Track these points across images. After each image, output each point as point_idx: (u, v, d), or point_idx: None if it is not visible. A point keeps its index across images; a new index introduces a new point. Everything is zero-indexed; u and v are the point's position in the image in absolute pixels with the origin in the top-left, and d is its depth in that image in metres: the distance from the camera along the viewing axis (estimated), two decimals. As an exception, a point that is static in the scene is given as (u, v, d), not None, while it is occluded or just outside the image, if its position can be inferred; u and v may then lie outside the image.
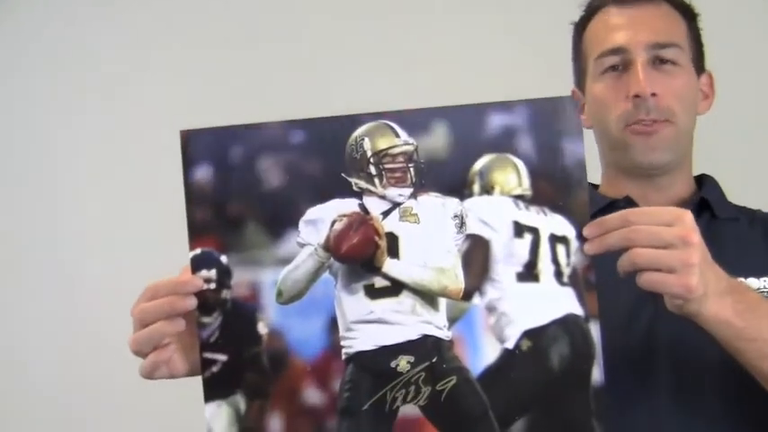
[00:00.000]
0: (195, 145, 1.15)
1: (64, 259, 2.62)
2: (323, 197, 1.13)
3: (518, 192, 1.16)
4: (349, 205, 1.14)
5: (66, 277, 2.61)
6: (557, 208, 1.15)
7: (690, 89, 1.46)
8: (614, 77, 1.44)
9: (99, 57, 2.63)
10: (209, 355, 1.16)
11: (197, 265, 1.15)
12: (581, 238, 1.13)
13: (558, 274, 1.16)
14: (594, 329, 1.14)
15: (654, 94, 1.39)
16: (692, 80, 1.47)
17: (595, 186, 1.54)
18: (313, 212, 1.13)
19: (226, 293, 1.16)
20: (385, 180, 1.14)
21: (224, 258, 1.15)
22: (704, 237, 1.09)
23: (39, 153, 2.67)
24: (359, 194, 1.14)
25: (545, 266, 1.16)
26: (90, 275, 2.60)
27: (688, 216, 1.09)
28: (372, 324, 1.14)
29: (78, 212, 2.64)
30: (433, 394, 1.13)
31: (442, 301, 1.14)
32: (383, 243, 1.13)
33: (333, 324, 1.14)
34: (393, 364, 1.13)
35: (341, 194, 1.14)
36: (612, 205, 1.40)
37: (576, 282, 1.16)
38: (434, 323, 1.14)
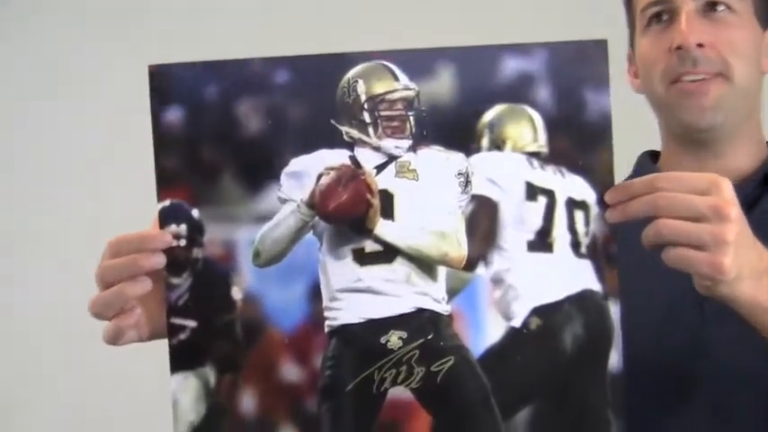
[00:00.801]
0: (166, 82, 1.02)
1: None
2: (309, 146, 1.00)
3: (533, 148, 1.03)
4: (338, 157, 1.01)
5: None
6: (576, 168, 1.01)
7: (749, 41, 1.27)
8: (659, 30, 1.26)
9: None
10: (176, 321, 1.03)
11: (166, 218, 1.02)
12: (602, 204, 0.99)
13: (575, 245, 1.03)
14: (614, 308, 1.01)
15: (701, 45, 1.22)
16: (753, 31, 1.28)
17: (655, 158, 1.39)
18: (297, 164, 1.00)
19: (197, 252, 1.03)
20: (380, 129, 1.01)
21: (196, 212, 1.02)
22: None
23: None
24: (350, 145, 1.01)
25: (560, 235, 1.03)
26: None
27: (726, 184, 0.95)
28: (361, 294, 1.01)
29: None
30: (427, 376, 1.00)
31: (441, 271, 1.01)
32: (376, 201, 1.00)
33: (316, 292, 1.02)
34: (383, 340, 1.00)
35: (329, 144, 1.01)
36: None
37: (595, 253, 1.03)
38: (431, 295, 1.01)
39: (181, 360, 1.03)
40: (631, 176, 1.19)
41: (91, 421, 2.47)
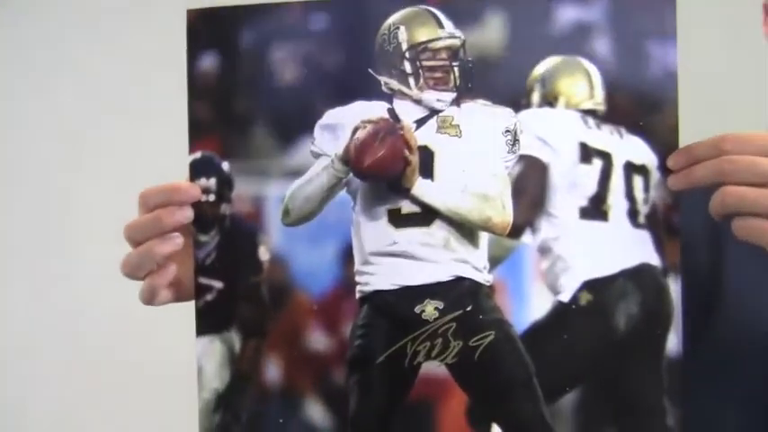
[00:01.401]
0: (202, 27, 0.97)
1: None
2: (345, 97, 0.93)
3: (588, 105, 0.94)
4: (376, 109, 0.94)
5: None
6: (636, 129, 0.92)
7: None
8: None
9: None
10: (204, 281, 0.98)
11: (195, 172, 0.97)
12: (664, 169, 0.90)
13: (633, 213, 0.94)
14: (674, 286, 0.92)
15: None
16: None
17: None
18: (332, 116, 0.93)
19: (225, 208, 0.98)
20: (422, 80, 0.93)
21: (226, 166, 0.96)
22: None
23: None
24: (389, 97, 0.94)
25: (616, 202, 0.93)
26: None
27: None
28: (395, 258, 0.93)
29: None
30: (464, 350, 0.92)
31: (484, 237, 0.93)
32: (415, 159, 0.92)
33: (347, 255, 0.95)
34: (417, 310, 0.93)
35: (367, 95, 0.94)
36: None
37: (655, 224, 0.93)
38: (472, 263, 0.93)
39: (206, 323, 0.98)
40: None
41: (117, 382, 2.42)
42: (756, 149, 0.84)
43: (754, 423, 1.04)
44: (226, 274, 0.98)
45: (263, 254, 0.97)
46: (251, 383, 0.97)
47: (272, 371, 0.96)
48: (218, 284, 0.98)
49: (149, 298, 0.98)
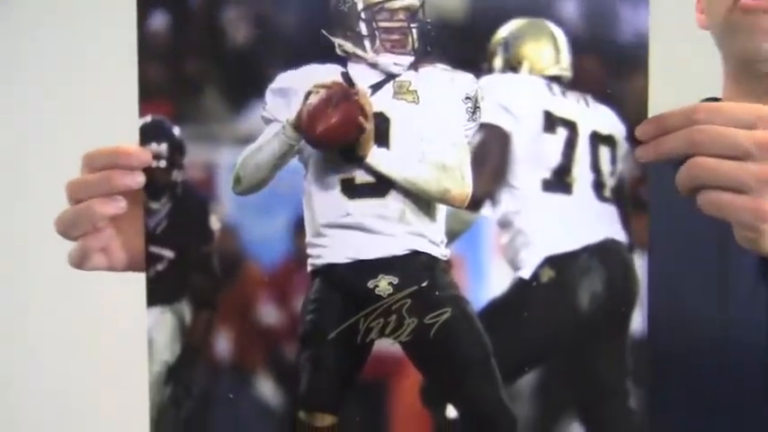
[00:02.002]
0: (152, -15, 0.92)
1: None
2: (297, 60, 0.89)
3: (554, 71, 0.89)
4: (329, 73, 0.89)
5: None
6: (604, 97, 0.88)
7: None
8: None
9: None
10: (155, 250, 0.95)
11: (146, 136, 0.93)
12: (633, 140, 0.86)
13: (598, 186, 0.89)
14: (640, 263, 0.88)
15: None
16: None
17: None
18: (283, 80, 0.89)
19: (176, 175, 0.94)
20: (378, 43, 0.89)
21: (177, 131, 0.93)
22: None
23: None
24: (343, 60, 0.90)
25: (581, 174, 0.89)
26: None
27: None
28: (348, 230, 0.90)
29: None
30: (419, 328, 0.89)
31: (441, 209, 0.90)
32: (370, 126, 0.88)
33: (299, 226, 0.91)
34: (371, 285, 0.89)
35: (320, 58, 0.89)
36: None
37: (622, 198, 0.89)
38: (428, 236, 0.90)
39: (157, 293, 0.95)
40: None
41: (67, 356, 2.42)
42: (729, 120, 0.80)
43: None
44: (177, 244, 0.94)
45: (215, 223, 0.93)
46: (202, 357, 0.94)
47: (223, 344, 0.93)
48: (168, 254, 0.95)
49: (79, 260, 0.95)
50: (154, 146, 0.93)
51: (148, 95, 0.93)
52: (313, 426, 0.91)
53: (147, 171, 0.92)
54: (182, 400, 0.95)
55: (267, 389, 0.93)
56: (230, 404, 0.94)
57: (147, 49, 0.92)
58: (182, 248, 0.94)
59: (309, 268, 0.91)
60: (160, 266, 0.95)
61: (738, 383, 1.03)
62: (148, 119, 0.93)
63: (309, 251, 0.91)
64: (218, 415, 0.94)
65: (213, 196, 0.93)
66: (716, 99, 1.19)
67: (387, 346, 0.89)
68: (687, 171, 0.80)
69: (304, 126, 0.89)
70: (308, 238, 0.91)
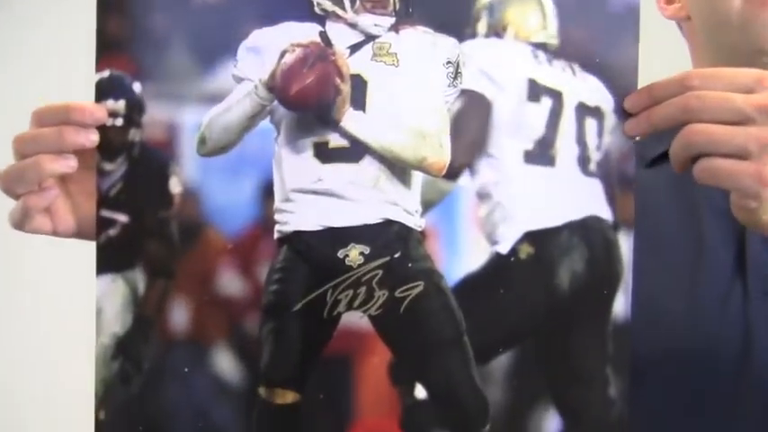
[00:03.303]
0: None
1: None
2: (273, 17, 0.86)
3: (540, 38, 0.87)
4: (306, 32, 0.87)
5: None
6: (591, 66, 0.86)
7: None
8: None
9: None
10: (107, 214, 0.90)
11: (103, 92, 0.89)
12: (621, 113, 0.84)
13: (583, 160, 0.87)
14: (625, 243, 0.86)
15: None
16: None
17: None
18: (258, 37, 0.86)
19: (134, 134, 0.90)
20: (358, 3, 0.86)
21: (137, 87, 0.89)
22: None
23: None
24: (321, 18, 0.87)
25: (565, 146, 0.87)
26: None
27: None
28: (319, 196, 0.86)
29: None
30: (389, 302, 0.85)
31: (417, 177, 0.87)
32: (346, 88, 0.85)
33: (267, 190, 0.88)
34: (341, 254, 0.86)
35: (298, 16, 0.86)
36: None
37: (608, 173, 0.87)
38: (403, 205, 0.87)
39: (108, 260, 0.91)
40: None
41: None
42: (726, 85, 0.78)
43: None
44: (132, 208, 0.90)
45: (175, 186, 0.89)
46: (155, 329, 0.90)
47: (179, 315, 0.89)
48: (122, 218, 0.90)
49: (20, 220, 0.90)
50: (110, 102, 0.89)
51: (107, 48, 0.89)
52: (273, 403, 0.87)
53: (102, 129, 0.88)
54: (131, 376, 0.91)
55: (226, 363, 0.89)
56: (185, 380, 0.89)
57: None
58: (137, 213, 0.90)
59: (276, 235, 0.88)
60: (112, 231, 0.90)
61: (708, 386, 1.01)
62: (106, 74, 0.89)
63: (277, 217, 0.87)
64: (172, 391, 0.90)
65: (174, 158, 0.89)
66: None
67: (355, 319, 0.86)
68: (683, 139, 0.78)
69: (278, 86, 0.86)
70: (277, 204, 0.87)
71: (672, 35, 1.16)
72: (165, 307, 0.89)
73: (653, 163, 1.06)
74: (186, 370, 0.89)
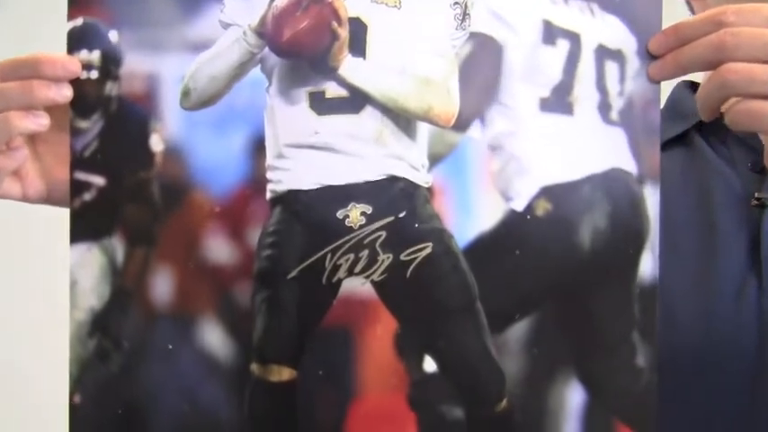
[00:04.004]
0: None
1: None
2: (263, -45, 0.80)
3: (556, -25, 0.81)
4: None
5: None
6: (611, 6, 0.80)
7: None
8: None
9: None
10: (81, 176, 0.83)
11: (75, 43, 0.83)
12: (645, 55, 0.78)
13: (604, 107, 0.81)
14: (651, 197, 0.79)
15: None
16: None
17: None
18: None
19: (110, 88, 0.84)
20: (357, -63, 0.80)
21: (113, 36, 0.82)
22: None
23: None
24: (316, -45, 0.80)
25: (584, 93, 0.81)
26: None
27: None
28: (316, 151, 0.80)
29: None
30: (395, 266, 0.79)
31: (423, 129, 0.80)
32: (344, 32, 0.79)
33: (258, 146, 0.81)
34: (340, 215, 0.79)
35: (290, -46, 0.80)
36: None
37: (631, 121, 0.81)
38: (408, 160, 0.80)
39: (83, 227, 0.84)
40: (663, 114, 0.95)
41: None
42: (763, 20, 0.72)
43: None
44: (109, 169, 0.83)
45: (156, 144, 0.83)
46: (135, 302, 0.83)
47: (162, 286, 0.82)
48: (98, 181, 0.83)
49: None
50: (84, 53, 0.83)
51: None
52: (267, 380, 0.80)
53: (76, 83, 0.81)
54: (109, 354, 0.84)
55: (214, 338, 0.82)
56: (169, 357, 0.82)
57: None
58: (114, 174, 0.83)
59: (269, 195, 0.81)
60: (87, 196, 0.84)
61: (722, 383, 0.95)
62: (79, 22, 0.83)
63: (270, 175, 0.81)
64: (155, 370, 0.83)
65: (155, 112, 0.83)
66: (694, 83, 1.12)
67: (357, 286, 0.79)
68: (719, 78, 0.73)
69: (269, 31, 0.80)
70: (269, 161, 0.81)
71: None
72: (146, 277, 0.82)
73: (662, 147, 1.01)
74: (171, 347, 0.82)
